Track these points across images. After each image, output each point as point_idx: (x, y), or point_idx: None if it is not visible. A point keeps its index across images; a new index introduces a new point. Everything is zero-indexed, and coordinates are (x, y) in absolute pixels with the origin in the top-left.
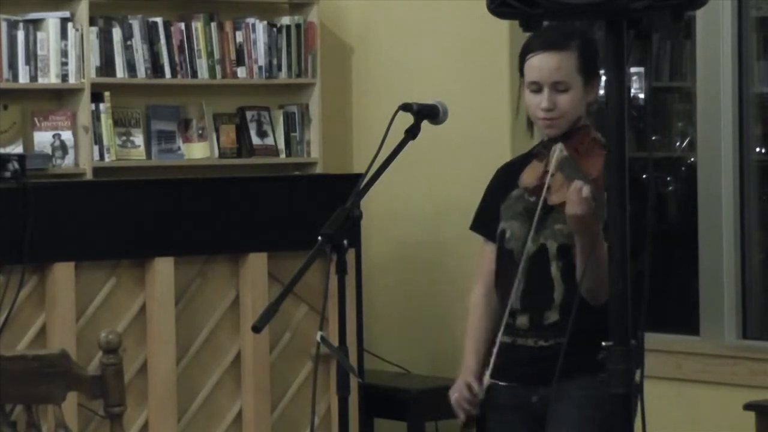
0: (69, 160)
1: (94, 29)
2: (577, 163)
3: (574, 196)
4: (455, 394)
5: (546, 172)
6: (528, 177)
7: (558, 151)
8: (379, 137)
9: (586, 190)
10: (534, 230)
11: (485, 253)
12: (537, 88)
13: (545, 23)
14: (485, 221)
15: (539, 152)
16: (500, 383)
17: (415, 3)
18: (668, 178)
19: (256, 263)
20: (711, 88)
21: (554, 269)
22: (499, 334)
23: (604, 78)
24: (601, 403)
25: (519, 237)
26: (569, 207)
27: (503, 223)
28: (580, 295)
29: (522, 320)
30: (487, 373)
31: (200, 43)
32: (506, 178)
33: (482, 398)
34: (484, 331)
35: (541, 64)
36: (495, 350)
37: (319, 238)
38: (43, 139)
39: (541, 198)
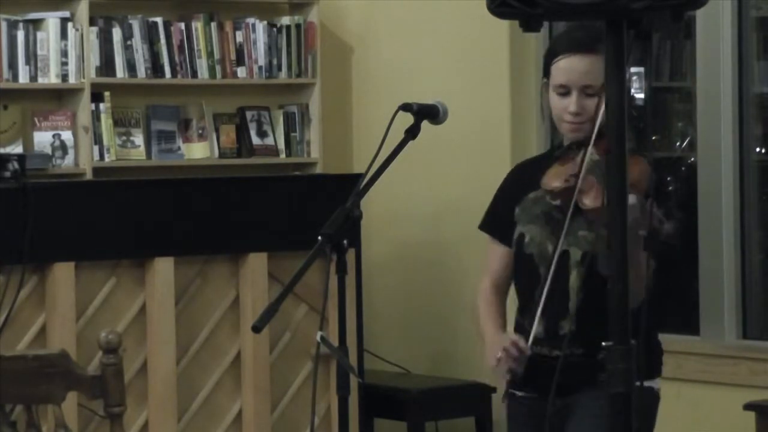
0: (69, 160)
1: (94, 29)
2: None
3: None
4: (499, 354)
5: (574, 175)
6: (552, 180)
7: (589, 154)
8: (379, 137)
9: (632, 198)
10: (560, 235)
11: (492, 252)
12: (565, 91)
13: (545, 23)
14: (494, 222)
15: (563, 155)
16: (518, 393)
17: (415, 3)
18: (668, 178)
19: (256, 263)
20: (711, 88)
21: (573, 277)
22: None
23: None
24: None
25: (540, 241)
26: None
27: (521, 226)
28: (594, 305)
29: (539, 328)
30: (533, 332)
31: (200, 43)
32: (521, 179)
33: (529, 354)
34: (500, 316)
35: (570, 66)
36: (533, 331)
37: (319, 238)
38: (43, 139)
39: (572, 202)
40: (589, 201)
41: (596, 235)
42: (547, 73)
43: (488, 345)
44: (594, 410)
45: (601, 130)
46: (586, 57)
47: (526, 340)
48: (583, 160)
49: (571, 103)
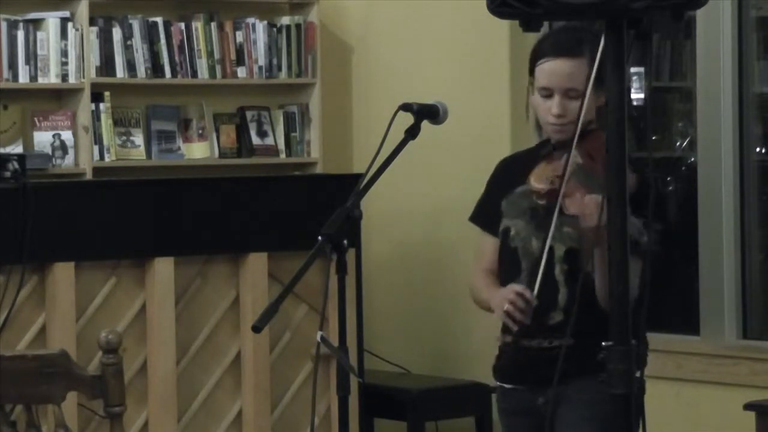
0: (69, 160)
1: (94, 29)
2: (593, 171)
3: (591, 208)
4: (506, 305)
5: (558, 176)
6: (538, 180)
7: (572, 158)
8: (379, 137)
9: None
10: (542, 231)
11: (484, 243)
12: (548, 93)
13: (547, 23)
14: (484, 213)
15: (548, 154)
16: (505, 386)
17: (415, 3)
18: (668, 178)
19: (256, 263)
20: (711, 88)
21: (558, 271)
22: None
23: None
24: (603, 404)
25: (524, 236)
26: (585, 220)
27: (507, 220)
28: (583, 298)
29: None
30: (537, 286)
31: (200, 43)
32: (510, 172)
33: (536, 304)
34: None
35: (553, 70)
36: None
37: (319, 238)
38: (43, 139)
39: (558, 203)
40: (572, 208)
41: (579, 232)
42: (532, 73)
43: (494, 299)
44: (579, 399)
45: (583, 132)
46: (570, 61)
47: (512, 334)
48: (567, 163)
49: (554, 105)
